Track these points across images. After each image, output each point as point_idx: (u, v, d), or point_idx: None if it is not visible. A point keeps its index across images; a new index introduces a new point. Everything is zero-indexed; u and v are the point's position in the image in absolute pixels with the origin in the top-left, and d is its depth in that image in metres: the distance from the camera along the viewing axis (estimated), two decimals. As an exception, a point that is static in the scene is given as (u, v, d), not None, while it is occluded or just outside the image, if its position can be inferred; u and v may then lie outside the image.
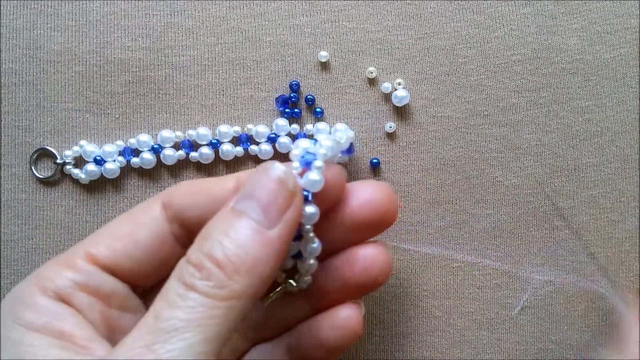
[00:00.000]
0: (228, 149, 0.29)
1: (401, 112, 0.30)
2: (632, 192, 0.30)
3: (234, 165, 0.30)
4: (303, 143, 0.24)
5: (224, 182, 0.25)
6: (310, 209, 0.23)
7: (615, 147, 0.30)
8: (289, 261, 0.25)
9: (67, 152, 0.29)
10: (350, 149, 0.29)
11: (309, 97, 0.30)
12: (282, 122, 0.29)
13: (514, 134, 0.30)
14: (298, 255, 0.25)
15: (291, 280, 0.25)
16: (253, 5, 0.30)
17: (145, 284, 0.25)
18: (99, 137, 0.30)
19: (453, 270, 0.30)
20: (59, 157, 0.29)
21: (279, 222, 0.21)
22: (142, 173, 0.30)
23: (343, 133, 0.27)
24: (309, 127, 0.30)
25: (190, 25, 0.30)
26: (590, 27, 0.30)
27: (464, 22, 0.30)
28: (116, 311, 0.24)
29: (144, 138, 0.29)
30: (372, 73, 0.30)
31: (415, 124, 0.30)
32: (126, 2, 0.30)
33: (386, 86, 0.30)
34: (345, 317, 0.25)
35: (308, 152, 0.24)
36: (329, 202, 0.25)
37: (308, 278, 0.25)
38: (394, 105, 0.30)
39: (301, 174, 0.23)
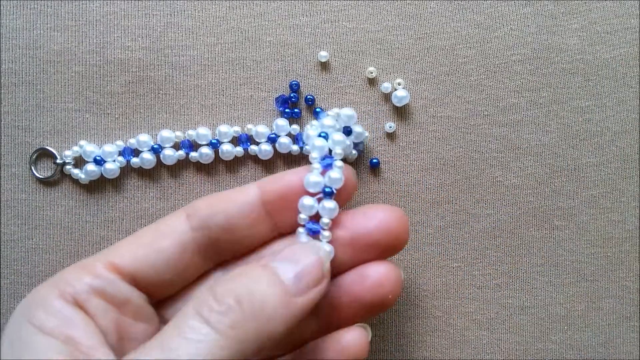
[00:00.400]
0: (228, 149, 0.29)
1: (401, 112, 0.30)
2: (632, 192, 0.30)
3: (234, 165, 0.30)
4: (319, 142, 0.26)
5: (246, 189, 0.26)
6: (330, 204, 0.25)
7: (615, 147, 0.30)
8: None
9: (67, 152, 0.29)
10: (362, 148, 0.29)
11: (309, 97, 0.30)
12: (282, 122, 0.29)
13: (514, 134, 0.30)
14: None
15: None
16: (253, 5, 0.30)
17: (162, 293, 0.25)
18: (99, 137, 0.30)
19: (453, 270, 0.30)
20: (58, 157, 0.29)
21: (306, 294, 0.22)
22: (142, 173, 0.30)
23: (360, 131, 0.29)
24: (312, 123, 0.29)
25: (190, 25, 0.30)
26: (590, 27, 0.30)
27: (464, 22, 0.30)
28: (130, 319, 0.24)
29: (144, 138, 0.29)
30: (372, 73, 0.30)
31: (415, 124, 0.30)
32: (126, 2, 0.30)
33: (386, 86, 0.30)
34: (351, 340, 0.25)
35: (327, 157, 0.26)
36: (343, 200, 0.26)
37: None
38: (394, 105, 0.30)
39: (322, 174, 0.25)
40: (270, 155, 0.30)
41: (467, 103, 0.30)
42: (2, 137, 0.30)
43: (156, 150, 0.29)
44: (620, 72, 0.30)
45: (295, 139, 0.30)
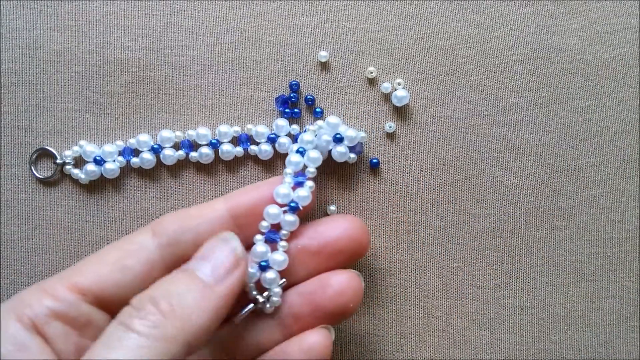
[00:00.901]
0: (228, 149, 0.29)
1: (401, 112, 0.30)
2: (632, 192, 0.30)
3: (233, 165, 0.30)
4: (294, 158, 0.27)
5: (214, 205, 0.26)
6: (291, 217, 0.26)
7: (615, 147, 0.30)
8: (255, 274, 0.26)
9: (67, 152, 0.29)
10: (360, 149, 0.29)
11: (308, 97, 0.30)
12: (282, 122, 0.29)
13: (514, 134, 0.30)
14: (265, 267, 0.26)
15: (258, 297, 0.26)
16: (253, 5, 0.30)
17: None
18: (99, 137, 0.30)
19: (453, 270, 0.30)
20: (58, 157, 0.29)
21: (225, 281, 0.23)
22: (142, 173, 0.30)
23: (353, 135, 0.29)
24: (312, 126, 0.30)
25: (190, 25, 0.30)
26: (590, 27, 0.30)
27: (464, 22, 0.30)
28: (91, 341, 0.23)
29: (144, 138, 0.29)
30: (372, 73, 0.30)
31: (415, 124, 0.30)
32: (126, 2, 0.30)
33: (386, 86, 0.30)
34: (314, 342, 0.25)
35: (300, 174, 0.27)
36: (302, 214, 0.27)
37: (277, 300, 0.26)
38: (393, 105, 0.30)
39: (293, 188, 0.27)
40: (270, 156, 0.30)
41: (467, 103, 0.30)
42: (2, 137, 0.30)
43: (156, 150, 0.29)
44: (620, 72, 0.30)
45: (295, 139, 0.30)
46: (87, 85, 0.30)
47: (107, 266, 0.24)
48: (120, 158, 0.30)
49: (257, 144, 0.30)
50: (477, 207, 0.30)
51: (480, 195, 0.30)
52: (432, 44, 0.30)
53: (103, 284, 0.24)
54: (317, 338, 0.25)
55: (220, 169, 0.30)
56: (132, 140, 0.30)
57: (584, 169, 0.30)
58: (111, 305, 0.24)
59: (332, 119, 0.28)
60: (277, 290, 0.26)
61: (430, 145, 0.30)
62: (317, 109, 0.30)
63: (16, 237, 0.30)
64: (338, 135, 0.28)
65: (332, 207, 0.30)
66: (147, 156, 0.29)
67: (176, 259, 0.25)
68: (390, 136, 0.30)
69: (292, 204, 0.26)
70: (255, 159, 0.30)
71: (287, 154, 0.30)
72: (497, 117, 0.30)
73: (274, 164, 0.30)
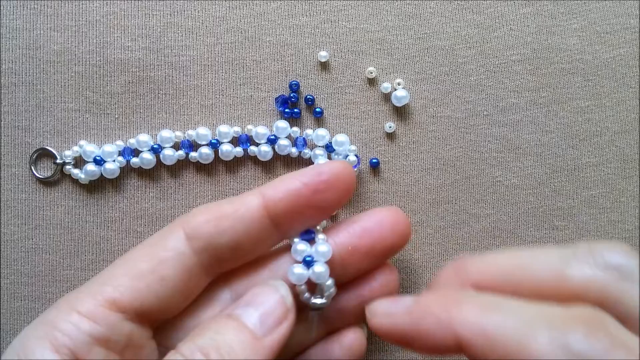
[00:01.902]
0: (228, 149, 0.29)
1: (401, 112, 0.30)
2: (632, 192, 0.30)
3: (233, 165, 0.30)
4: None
5: (247, 201, 0.24)
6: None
7: (615, 147, 0.30)
8: (303, 274, 0.25)
9: (67, 152, 0.29)
10: (357, 162, 0.29)
11: (308, 97, 0.30)
12: (282, 124, 0.29)
13: (514, 134, 0.30)
14: (310, 262, 0.25)
15: (316, 300, 0.25)
16: (253, 5, 0.30)
17: (164, 320, 0.24)
18: (99, 137, 0.30)
19: (453, 270, 0.30)
20: (58, 157, 0.29)
21: (272, 333, 0.22)
22: (142, 173, 0.30)
23: (341, 148, 0.29)
24: (308, 131, 0.30)
25: (190, 25, 0.30)
26: (590, 27, 0.30)
27: (463, 22, 0.30)
28: None
29: (144, 138, 0.29)
30: (371, 73, 0.30)
31: (415, 124, 0.30)
32: (126, 2, 0.30)
33: (386, 86, 0.30)
34: (355, 339, 0.26)
35: (307, 256, 0.25)
36: (343, 199, 0.25)
37: (333, 291, 0.25)
38: (393, 105, 0.30)
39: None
40: (269, 157, 0.30)
41: (467, 103, 0.30)
42: (2, 137, 0.30)
43: (156, 150, 0.29)
44: (620, 72, 0.30)
45: (295, 141, 0.30)
46: (87, 85, 0.30)
47: (144, 278, 0.22)
48: (120, 158, 0.30)
49: (257, 144, 0.30)
50: (477, 207, 0.30)
51: (480, 195, 0.30)
52: (432, 44, 0.30)
53: (143, 298, 0.22)
54: (356, 336, 0.25)
55: (220, 169, 0.30)
56: (132, 141, 0.30)
57: (584, 169, 0.30)
58: (150, 317, 0.23)
59: (340, 137, 0.29)
60: (330, 283, 0.25)
61: (430, 145, 0.30)
62: (317, 109, 0.30)
63: (16, 237, 0.30)
64: (329, 145, 0.29)
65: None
66: (147, 156, 0.29)
67: (214, 263, 0.24)
68: (390, 136, 0.30)
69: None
70: (254, 159, 0.30)
71: (286, 156, 0.30)
72: (497, 117, 0.30)
73: (273, 165, 0.30)
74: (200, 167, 0.30)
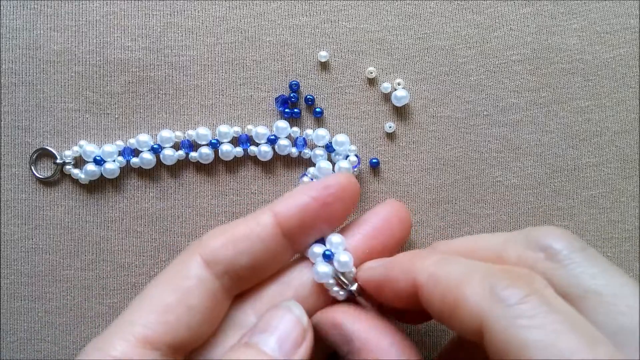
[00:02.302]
0: (227, 149, 0.29)
1: (401, 112, 0.30)
2: (632, 192, 0.30)
3: (233, 165, 0.30)
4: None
5: (261, 219, 0.24)
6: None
7: (615, 147, 0.30)
8: (328, 273, 0.25)
9: (67, 152, 0.29)
10: (357, 162, 0.29)
11: (308, 97, 0.30)
12: (282, 124, 0.29)
13: (514, 134, 0.30)
14: (329, 255, 0.25)
15: (352, 287, 0.25)
16: (253, 5, 0.30)
17: (197, 346, 0.24)
18: (99, 137, 0.30)
19: (453, 270, 0.30)
20: (58, 157, 0.29)
21: (294, 355, 0.22)
22: (142, 173, 0.30)
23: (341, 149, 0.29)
24: (308, 132, 0.30)
25: (190, 25, 0.30)
26: (590, 27, 0.30)
27: (463, 22, 0.30)
28: None
29: (144, 138, 0.29)
30: (371, 73, 0.30)
31: (415, 124, 0.30)
32: (126, 2, 0.30)
33: (386, 86, 0.30)
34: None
35: (327, 251, 0.25)
36: (348, 210, 0.26)
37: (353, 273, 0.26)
38: (393, 105, 0.30)
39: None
40: (269, 157, 0.30)
41: (467, 103, 0.30)
42: (2, 137, 0.30)
43: (156, 150, 0.29)
44: (620, 72, 0.30)
45: (295, 142, 0.30)
46: (87, 85, 0.30)
47: (172, 311, 0.22)
48: (120, 158, 0.30)
49: (257, 144, 0.30)
50: (477, 207, 0.30)
51: (480, 195, 0.30)
52: (432, 44, 0.30)
53: (174, 332, 0.22)
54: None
55: (220, 169, 0.30)
56: (132, 140, 0.30)
57: (584, 169, 0.30)
58: (184, 350, 0.23)
59: (340, 137, 0.29)
60: (354, 270, 0.25)
61: (430, 145, 0.30)
62: (317, 109, 0.30)
63: (16, 237, 0.30)
64: (329, 145, 0.29)
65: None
66: (147, 156, 0.29)
67: (234, 284, 0.24)
68: (390, 136, 0.30)
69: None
70: (254, 159, 0.30)
71: (286, 156, 0.30)
72: (497, 117, 0.30)
73: (273, 165, 0.30)
74: (200, 167, 0.30)
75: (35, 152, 0.30)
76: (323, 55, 0.29)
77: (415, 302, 0.22)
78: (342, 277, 0.25)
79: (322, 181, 0.25)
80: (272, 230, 0.24)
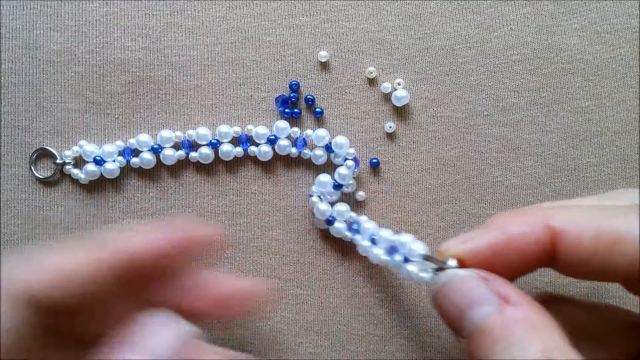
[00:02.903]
0: (227, 149, 0.29)
1: (401, 112, 0.30)
2: (632, 192, 0.30)
3: (233, 165, 0.30)
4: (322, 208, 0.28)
5: (73, 253, 0.20)
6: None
7: (615, 147, 0.30)
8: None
9: (67, 152, 0.29)
10: (355, 165, 0.29)
11: (308, 97, 0.30)
12: (282, 124, 0.29)
13: (514, 134, 0.30)
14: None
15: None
16: (253, 5, 0.30)
17: None
18: (99, 137, 0.30)
19: (453, 270, 0.30)
20: (58, 157, 0.29)
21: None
22: (142, 173, 0.30)
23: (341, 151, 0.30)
24: (308, 132, 0.30)
25: (190, 25, 0.30)
26: (590, 27, 0.30)
27: (464, 22, 0.30)
28: None
29: (144, 138, 0.29)
30: (372, 73, 0.30)
31: (415, 124, 0.30)
32: (126, 2, 0.30)
33: (386, 86, 0.30)
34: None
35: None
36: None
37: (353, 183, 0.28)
38: (393, 105, 0.30)
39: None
40: (269, 157, 0.30)
41: (467, 103, 0.30)
42: (2, 137, 0.30)
43: (156, 150, 0.29)
44: (620, 72, 0.30)
45: (295, 142, 0.30)
46: (87, 85, 0.30)
47: None
48: (120, 158, 0.30)
49: (257, 144, 0.30)
50: (477, 207, 0.30)
51: (480, 195, 0.30)
52: (432, 44, 0.30)
53: None
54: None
55: (220, 169, 0.30)
56: (132, 141, 0.29)
57: (584, 169, 0.30)
58: None
59: (340, 139, 0.29)
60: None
61: (430, 145, 0.30)
62: (317, 109, 0.30)
63: (16, 237, 0.30)
64: (337, 183, 0.29)
65: (361, 193, 0.30)
66: (147, 156, 0.29)
67: (58, 322, 0.20)
68: (390, 136, 0.30)
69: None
70: (255, 159, 0.30)
71: (286, 156, 0.30)
72: (497, 117, 0.30)
73: (273, 165, 0.30)
74: (200, 167, 0.30)
75: (35, 152, 0.30)
76: (323, 55, 0.29)
77: (540, 260, 0.20)
78: (433, 257, 0.21)
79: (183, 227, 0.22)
80: (93, 267, 0.20)
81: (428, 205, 0.30)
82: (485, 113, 0.30)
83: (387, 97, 0.30)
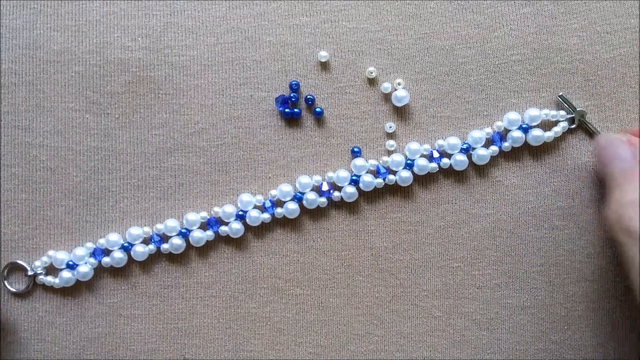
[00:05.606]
0: (198, 236, 0.29)
1: (401, 112, 0.30)
2: (632, 192, 0.30)
3: (233, 166, 0.30)
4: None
5: None
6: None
7: (615, 147, 0.30)
8: None
9: (37, 263, 0.29)
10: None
11: (308, 97, 0.30)
12: (360, 162, 0.29)
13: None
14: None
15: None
16: (253, 5, 0.30)
17: None
18: (99, 137, 0.30)
19: (453, 270, 0.30)
20: (29, 269, 0.29)
21: None
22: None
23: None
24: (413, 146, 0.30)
25: (190, 25, 0.30)
26: (590, 27, 0.30)
27: (464, 22, 0.30)
28: None
29: (114, 237, 0.29)
30: (372, 73, 0.30)
31: (415, 124, 0.30)
32: (126, 2, 0.30)
33: (386, 86, 0.30)
34: None
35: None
36: None
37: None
38: (393, 105, 0.30)
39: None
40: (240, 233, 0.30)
41: (467, 103, 0.30)
42: (2, 137, 0.30)
43: (127, 249, 0.29)
44: (620, 72, 0.30)
45: (319, 190, 0.30)
46: (87, 85, 0.30)
47: None
48: (92, 259, 0.29)
49: (227, 224, 0.30)
50: (477, 207, 0.30)
51: (480, 195, 0.30)
52: (432, 44, 0.30)
53: None
54: None
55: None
56: (101, 241, 0.29)
57: (584, 168, 0.30)
58: None
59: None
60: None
61: (430, 145, 0.30)
62: (317, 109, 0.30)
63: (16, 237, 0.30)
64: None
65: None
66: (119, 254, 0.29)
67: None
68: (390, 136, 0.30)
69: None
70: (228, 238, 0.30)
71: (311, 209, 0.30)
72: (497, 117, 0.30)
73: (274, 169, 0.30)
74: (199, 171, 0.30)
75: (5, 267, 0.29)
76: (323, 55, 0.29)
77: None
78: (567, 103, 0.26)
79: None
80: None
81: (428, 205, 0.30)
82: (485, 113, 0.30)
83: (387, 97, 0.30)
